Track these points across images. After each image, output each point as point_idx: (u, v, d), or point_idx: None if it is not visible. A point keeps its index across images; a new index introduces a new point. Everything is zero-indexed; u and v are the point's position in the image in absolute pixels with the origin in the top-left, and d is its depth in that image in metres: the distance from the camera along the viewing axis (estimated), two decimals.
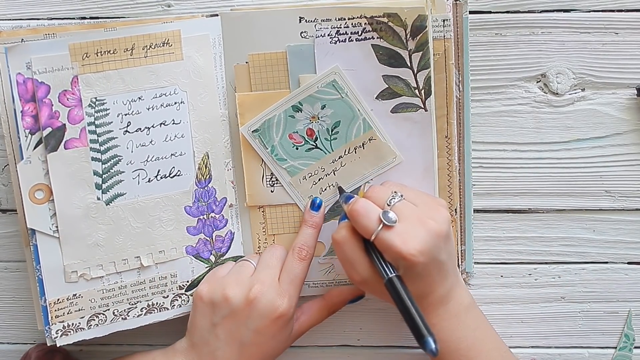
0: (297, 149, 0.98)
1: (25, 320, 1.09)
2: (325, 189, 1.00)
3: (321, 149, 0.98)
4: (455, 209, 1.00)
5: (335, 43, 0.95)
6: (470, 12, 0.98)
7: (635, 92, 0.99)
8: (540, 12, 0.99)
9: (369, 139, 0.97)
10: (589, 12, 0.98)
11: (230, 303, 0.94)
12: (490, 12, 0.99)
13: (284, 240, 1.02)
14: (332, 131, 0.98)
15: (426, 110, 0.96)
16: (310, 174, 0.99)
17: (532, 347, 1.06)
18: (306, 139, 0.98)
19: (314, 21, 0.95)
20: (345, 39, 0.95)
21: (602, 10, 0.98)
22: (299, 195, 1.00)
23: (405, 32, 0.94)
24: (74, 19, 1.01)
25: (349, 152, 0.98)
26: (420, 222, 0.88)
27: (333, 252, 1.02)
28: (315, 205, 0.99)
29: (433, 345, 0.80)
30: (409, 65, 0.95)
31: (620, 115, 1.00)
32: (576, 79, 1.00)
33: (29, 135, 0.94)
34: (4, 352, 1.11)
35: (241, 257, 1.03)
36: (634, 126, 1.00)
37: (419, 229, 0.88)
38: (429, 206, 0.91)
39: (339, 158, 0.99)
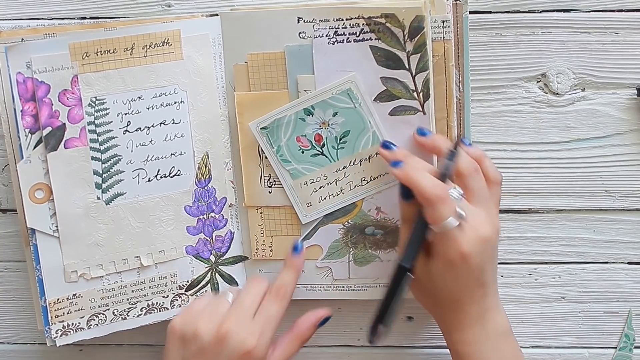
0: (302, 152, 0.98)
1: (25, 320, 1.09)
2: (325, 198, 0.99)
3: (327, 157, 0.98)
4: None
5: (333, 44, 0.94)
6: (470, 12, 0.98)
7: (635, 92, 0.99)
8: (540, 12, 0.98)
9: (376, 153, 0.97)
10: (589, 12, 0.98)
11: (200, 339, 0.92)
12: (490, 12, 0.99)
13: (281, 242, 1.01)
14: (340, 140, 0.97)
15: (425, 114, 0.95)
16: (312, 180, 0.99)
17: (532, 347, 1.06)
18: (313, 143, 0.98)
19: (312, 21, 0.94)
20: (343, 40, 0.94)
21: (602, 10, 0.98)
22: (297, 200, 1.00)
23: (403, 33, 0.92)
24: (74, 19, 1.01)
25: (354, 164, 0.98)
26: (478, 227, 0.88)
27: (330, 256, 1.02)
28: (297, 250, 0.98)
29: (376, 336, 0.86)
30: (407, 67, 0.94)
31: (620, 115, 1.00)
32: (576, 79, 1.00)
33: (29, 135, 0.94)
34: (4, 352, 1.11)
35: (241, 257, 1.03)
36: (634, 126, 1.00)
37: (476, 233, 0.87)
38: (487, 207, 0.91)
39: (343, 168, 0.98)
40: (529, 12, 0.99)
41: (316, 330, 0.99)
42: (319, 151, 0.98)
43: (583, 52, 0.99)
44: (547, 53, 0.99)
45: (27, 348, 1.10)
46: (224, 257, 1.02)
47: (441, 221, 0.86)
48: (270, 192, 1.00)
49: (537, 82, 1.00)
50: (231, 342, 0.91)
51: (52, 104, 0.93)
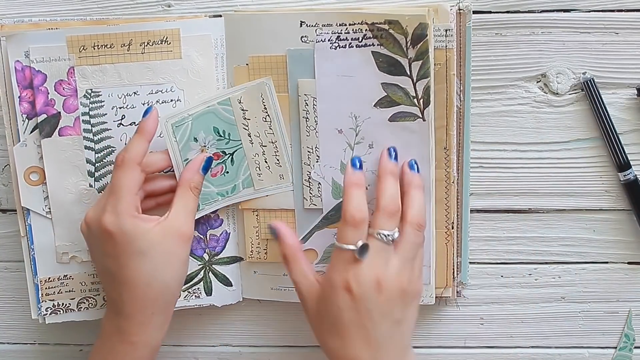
0: (224, 175, 0.99)
1: (26, 320, 1.09)
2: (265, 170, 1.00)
3: (233, 160, 0.99)
4: (452, 224, 0.99)
5: (336, 49, 0.94)
6: None
7: (635, 92, 0.99)
8: (540, 12, 0.98)
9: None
10: (589, 12, 0.98)
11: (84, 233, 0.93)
12: (490, 12, 0.99)
13: (276, 246, 0.98)
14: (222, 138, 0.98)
15: (424, 120, 0.95)
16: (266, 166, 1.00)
17: (532, 347, 1.05)
18: (219, 162, 0.99)
19: (314, 26, 0.94)
20: (346, 45, 0.94)
21: (602, 10, 0.98)
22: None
23: (406, 40, 0.92)
24: (74, 19, 1.02)
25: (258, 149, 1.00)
26: (382, 274, 0.88)
27: (325, 260, 1.01)
28: (147, 112, 0.95)
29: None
30: (409, 73, 0.94)
31: (620, 115, 0.99)
32: (576, 79, 0.99)
33: (26, 120, 0.97)
34: (4, 352, 1.11)
35: (237, 257, 1.03)
36: (634, 126, 0.99)
37: (373, 277, 0.88)
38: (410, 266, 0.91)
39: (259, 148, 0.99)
40: (529, 12, 0.98)
41: (204, 176, 0.97)
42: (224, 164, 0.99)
43: (583, 52, 0.99)
44: (547, 53, 0.99)
45: (27, 348, 1.10)
46: (219, 257, 1.02)
47: (343, 243, 0.88)
48: (266, 195, 1.00)
49: (537, 82, 1.00)
50: (92, 225, 0.90)
51: (48, 93, 0.95)
